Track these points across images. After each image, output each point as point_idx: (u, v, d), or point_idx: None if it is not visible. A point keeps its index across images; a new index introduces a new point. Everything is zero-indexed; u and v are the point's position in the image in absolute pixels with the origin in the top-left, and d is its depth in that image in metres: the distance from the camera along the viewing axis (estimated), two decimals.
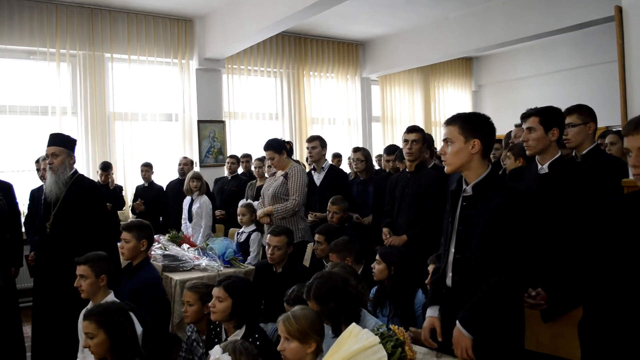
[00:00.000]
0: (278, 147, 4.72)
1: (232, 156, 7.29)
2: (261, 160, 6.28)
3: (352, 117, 9.98)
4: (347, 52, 9.91)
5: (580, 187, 2.72)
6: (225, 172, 7.34)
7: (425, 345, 2.51)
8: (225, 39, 7.42)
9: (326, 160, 5.24)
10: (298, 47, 9.32)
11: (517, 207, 2.26)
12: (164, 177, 7.47)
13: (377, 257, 3.41)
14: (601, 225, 2.04)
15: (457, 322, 2.29)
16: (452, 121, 2.40)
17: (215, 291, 3.01)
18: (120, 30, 7.49)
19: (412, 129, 4.11)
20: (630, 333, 1.88)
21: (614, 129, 5.09)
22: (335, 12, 7.46)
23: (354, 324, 2.15)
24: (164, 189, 7.03)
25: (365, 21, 8.69)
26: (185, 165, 6.86)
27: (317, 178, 5.11)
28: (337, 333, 2.50)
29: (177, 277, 4.27)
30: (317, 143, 5.10)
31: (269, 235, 4.02)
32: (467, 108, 11.19)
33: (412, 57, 9.30)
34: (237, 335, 2.94)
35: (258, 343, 2.84)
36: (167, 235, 5.17)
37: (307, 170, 5.42)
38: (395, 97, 10.54)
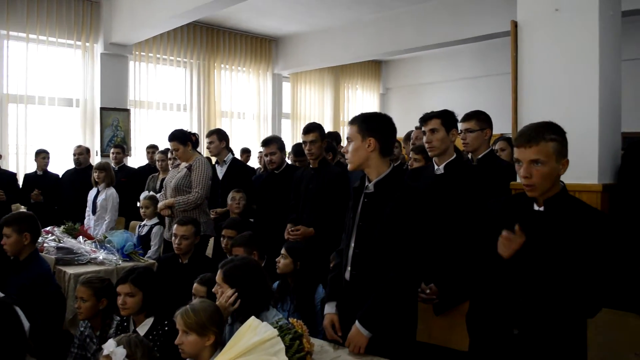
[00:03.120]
0: (183, 139, 4.62)
1: (117, 146, 7.00)
2: (164, 152, 6.11)
3: (262, 113, 9.96)
4: (260, 47, 9.88)
5: (472, 188, 2.88)
6: (112, 163, 6.98)
7: (325, 338, 2.56)
8: (134, 24, 7.15)
9: (228, 153, 5.17)
10: (210, 38, 9.16)
11: (413, 205, 2.36)
12: (62, 165, 7.06)
13: (283, 251, 3.42)
14: (485, 224, 2.20)
15: (357, 321, 2.35)
16: (352, 121, 2.50)
17: (124, 288, 2.91)
18: (19, 7, 7.02)
19: (308, 129, 4.06)
20: (511, 322, 2.04)
21: (507, 135, 5.42)
22: (250, 5, 7.41)
23: (253, 317, 2.15)
24: (60, 178, 6.65)
25: (279, 17, 8.70)
26: (80, 154, 6.46)
27: (220, 172, 5.06)
28: (236, 319, 2.50)
29: (71, 270, 4.06)
30: (215, 137, 5.03)
31: (175, 225, 3.93)
32: (375, 109, 11.48)
33: (324, 57, 9.43)
34: (147, 324, 2.90)
35: (167, 329, 2.82)
36: (62, 226, 4.93)
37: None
38: (306, 95, 10.66)
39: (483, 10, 7.13)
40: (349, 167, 2.51)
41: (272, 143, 4.62)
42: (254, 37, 9.74)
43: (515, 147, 2.05)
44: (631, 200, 3.04)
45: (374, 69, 11.88)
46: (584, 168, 2.92)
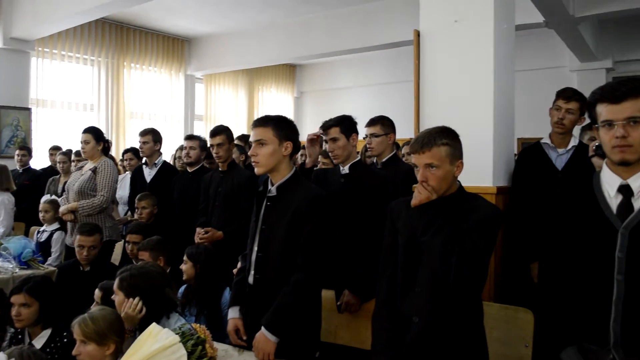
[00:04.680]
0: (98, 135, 4.49)
1: (22, 147, 6.62)
2: (66, 154, 5.84)
3: (174, 114, 9.74)
4: (172, 47, 9.66)
5: (376, 190, 2.97)
6: (16, 165, 6.52)
7: (229, 342, 2.55)
8: (37, 18, 6.77)
9: (160, 156, 5.05)
10: (119, 36, 8.85)
11: (316, 207, 2.40)
12: None
13: (185, 257, 3.38)
14: (388, 223, 2.28)
15: (262, 327, 2.35)
16: (264, 123, 2.47)
17: (18, 298, 2.77)
18: None
19: (215, 132, 4.04)
20: (410, 311, 2.11)
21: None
22: (161, 4, 7.26)
23: (154, 323, 2.12)
24: None
25: (192, 17, 8.55)
26: None
27: (148, 174, 4.89)
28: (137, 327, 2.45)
29: None
30: (150, 138, 4.88)
31: (79, 235, 3.79)
32: (289, 113, 11.59)
33: (237, 59, 9.37)
34: (44, 337, 2.78)
35: (65, 341, 2.73)
36: None
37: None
38: (220, 97, 10.53)
39: (391, 18, 7.36)
40: (258, 170, 2.48)
41: (195, 139, 4.58)
42: (166, 36, 9.52)
43: (411, 154, 2.13)
44: (522, 202, 3.25)
45: (288, 72, 11.93)
46: (480, 171, 3.08)
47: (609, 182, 1.80)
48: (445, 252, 1.98)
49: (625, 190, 1.75)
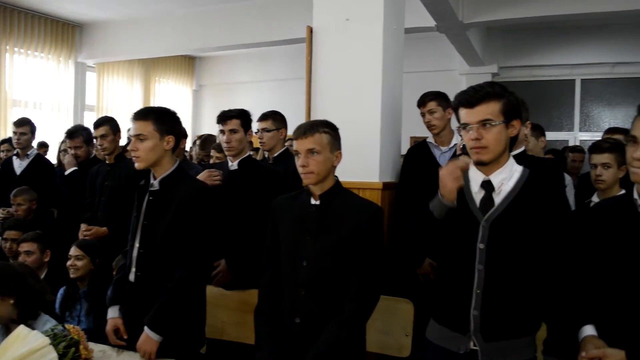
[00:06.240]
0: None
1: None
2: None
3: (63, 104, 9.19)
4: (62, 32, 9.10)
5: (264, 185, 2.99)
6: None
7: (106, 342, 2.45)
8: None
9: (33, 147, 4.74)
10: (1, 17, 8.22)
11: (199, 201, 2.37)
12: None
13: (78, 250, 3.18)
14: (270, 220, 2.31)
15: (146, 327, 2.30)
16: (143, 116, 2.39)
17: None
18: None
19: (97, 124, 3.88)
20: (293, 311, 2.16)
21: None
22: None
23: (22, 325, 2.01)
24: None
25: (84, 1, 8.10)
26: None
27: (19, 166, 4.58)
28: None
29: None
30: (28, 129, 4.62)
31: None
32: (188, 106, 11.35)
33: (133, 48, 8.99)
34: None
35: None
36: None
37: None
38: (113, 87, 10.06)
39: (290, 14, 7.38)
40: (138, 165, 2.40)
41: (77, 136, 4.31)
42: (54, 20, 8.94)
43: (294, 141, 2.19)
44: (408, 197, 3.39)
45: (187, 64, 11.63)
46: (367, 167, 3.17)
47: (474, 178, 1.93)
48: (338, 260, 2.06)
49: (487, 186, 1.89)
